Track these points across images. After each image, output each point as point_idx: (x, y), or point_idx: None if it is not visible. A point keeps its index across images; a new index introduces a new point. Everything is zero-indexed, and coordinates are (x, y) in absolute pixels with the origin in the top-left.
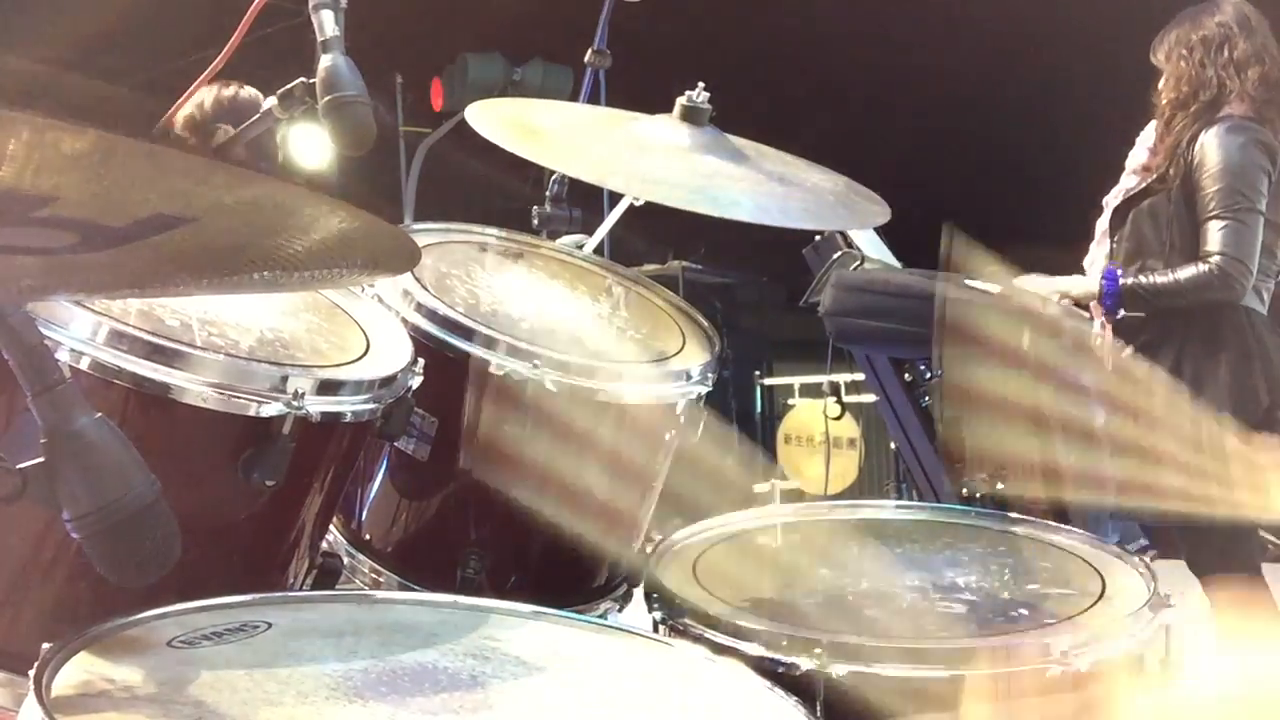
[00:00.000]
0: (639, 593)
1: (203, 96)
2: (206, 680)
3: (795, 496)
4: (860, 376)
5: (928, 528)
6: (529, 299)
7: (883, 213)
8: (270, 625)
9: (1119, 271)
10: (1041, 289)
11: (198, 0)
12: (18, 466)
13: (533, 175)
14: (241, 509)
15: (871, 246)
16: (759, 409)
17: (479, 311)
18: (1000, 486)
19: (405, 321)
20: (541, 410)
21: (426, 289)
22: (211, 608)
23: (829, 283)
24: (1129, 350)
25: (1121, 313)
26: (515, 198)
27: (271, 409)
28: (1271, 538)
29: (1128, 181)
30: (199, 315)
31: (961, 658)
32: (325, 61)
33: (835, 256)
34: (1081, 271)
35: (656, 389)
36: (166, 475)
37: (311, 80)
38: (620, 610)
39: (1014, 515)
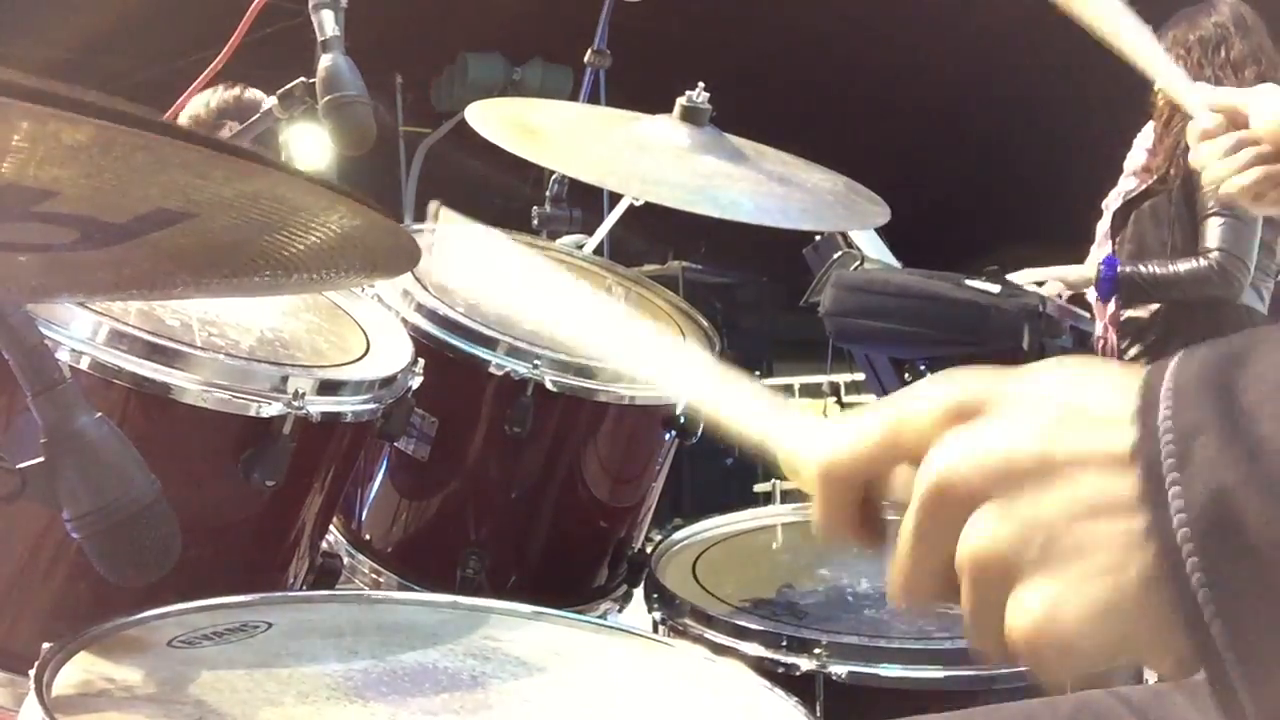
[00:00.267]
0: (639, 593)
1: (208, 97)
2: (206, 680)
3: (795, 497)
4: (860, 376)
5: None
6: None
7: (883, 213)
8: (270, 625)
9: (1116, 259)
10: (1038, 277)
11: (198, 0)
12: (18, 466)
13: (533, 175)
14: (241, 509)
15: (871, 246)
16: None
17: (479, 311)
18: None
19: (405, 321)
20: (541, 410)
21: (427, 289)
22: (211, 608)
23: (829, 283)
24: (1133, 350)
25: (1113, 305)
26: (515, 198)
27: (272, 409)
28: None
29: (1127, 184)
30: (199, 315)
31: (961, 658)
32: (325, 61)
33: (835, 256)
34: None
35: (656, 389)
36: (166, 475)
37: (311, 80)
38: (620, 610)
39: None
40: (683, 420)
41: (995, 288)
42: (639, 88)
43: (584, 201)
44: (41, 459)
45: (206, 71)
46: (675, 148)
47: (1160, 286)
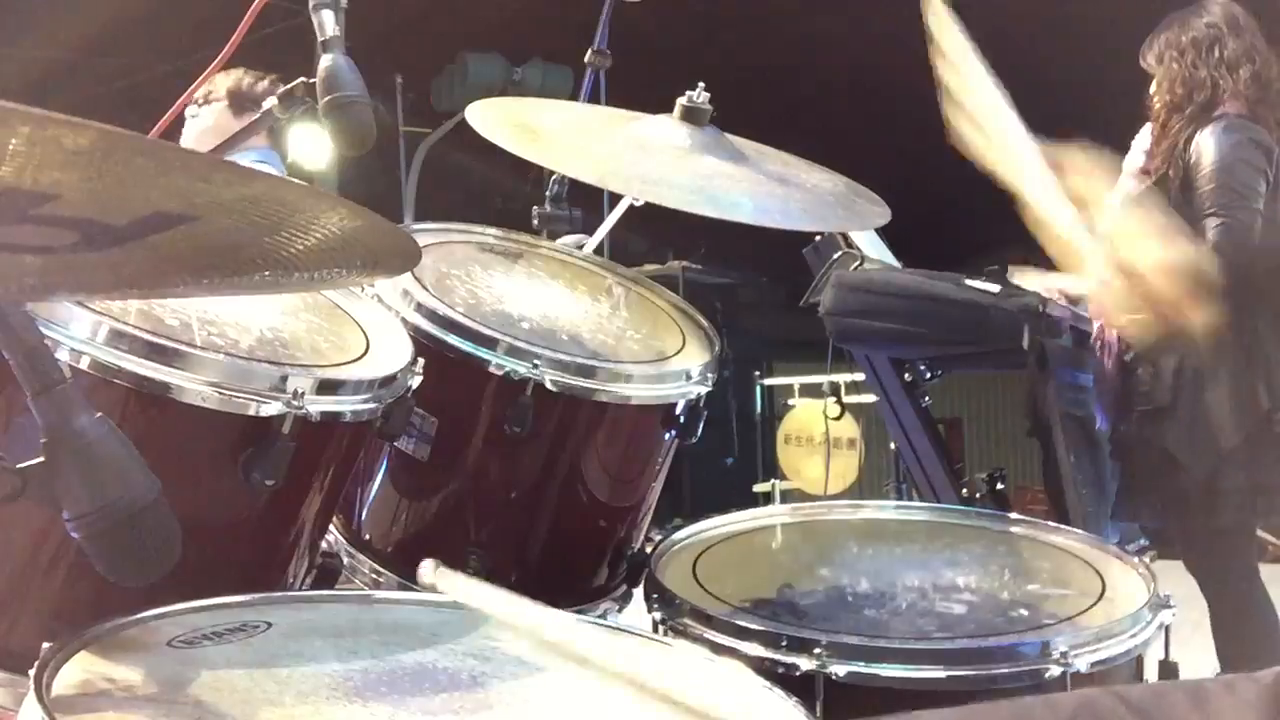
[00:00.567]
0: (639, 593)
1: (220, 82)
2: (206, 680)
3: (795, 496)
4: (860, 376)
5: (928, 528)
6: (529, 299)
7: (883, 213)
8: (270, 625)
9: None
10: (1038, 285)
11: (198, 0)
12: (18, 466)
13: (533, 175)
14: (241, 509)
15: (871, 246)
16: (759, 409)
17: (479, 311)
18: (1000, 486)
19: (405, 321)
20: (541, 410)
21: (426, 289)
22: (211, 608)
23: (829, 283)
24: (1132, 352)
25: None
26: (515, 198)
27: (271, 409)
28: (1271, 538)
29: (1125, 185)
30: (199, 315)
31: (961, 658)
32: (325, 61)
33: (835, 256)
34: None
35: (656, 389)
36: (166, 475)
37: (311, 80)
38: (620, 610)
39: (1014, 515)
40: (683, 420)
41: (995, 288)
42: (639, 88)
43: (584, 201)
44: (41, 459)
45: (207, 71)
46: (675, 148)
47: None
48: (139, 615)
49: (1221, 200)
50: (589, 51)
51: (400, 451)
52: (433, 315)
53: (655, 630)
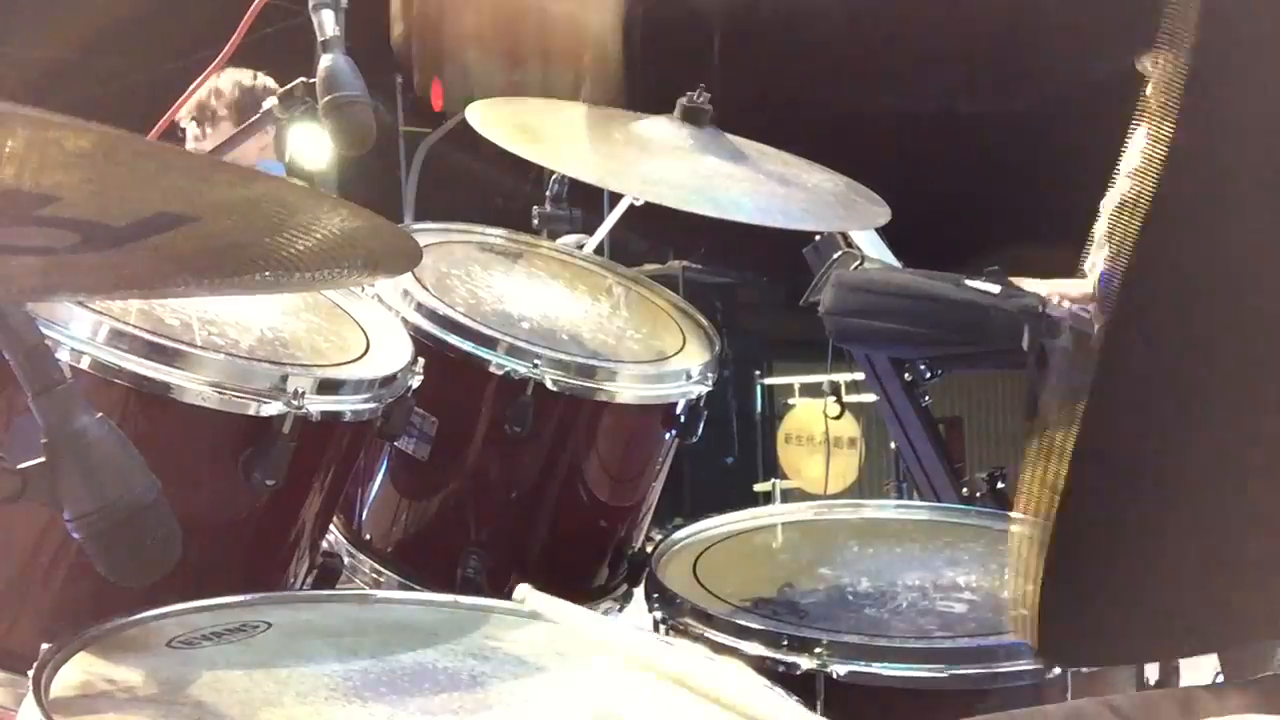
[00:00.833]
0: (639, 593)
1: (219, 83)
2: (206, 680)
3: (795, 496)
4: (860, 376)
5: (928, 528)
6: (529, 299)
7: (883, 213)
8: (270, 625)
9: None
10: (1039, 290)
11: (198, 0)
12: (18, 466)
13: (533, 175)
14: (241, 509)
15: (871, 246)
16: (759, 409)
17: (479, 311)
18: (1000, 486)
19: (405, 321)
20: (541, 410)
21: (427, 289)
22: (211, 608)
23: (829, 283)
24: None
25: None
26: (515, 198)
27: (271, 408)
28: None
29: (1123, 186)
30: (199, 314)
31: (962, 657)
32: (325, 61)
33: (835, 256)
34: (1080, 274)
35: (656, 389)
36: (166, 475)
37: (311, 80)
38: (620, 610)
39: (1014, 515)
40: (683, 420)
41: (995, 288)
42: (639, 88)
43: (584, 201)
44: (42, 459)
45: (207, 71)
46: (675, 148)
47: None
48: (139, 615)
49: None
50: None
51: (400, 451)
52: (433, 315)
53: (655, 630)
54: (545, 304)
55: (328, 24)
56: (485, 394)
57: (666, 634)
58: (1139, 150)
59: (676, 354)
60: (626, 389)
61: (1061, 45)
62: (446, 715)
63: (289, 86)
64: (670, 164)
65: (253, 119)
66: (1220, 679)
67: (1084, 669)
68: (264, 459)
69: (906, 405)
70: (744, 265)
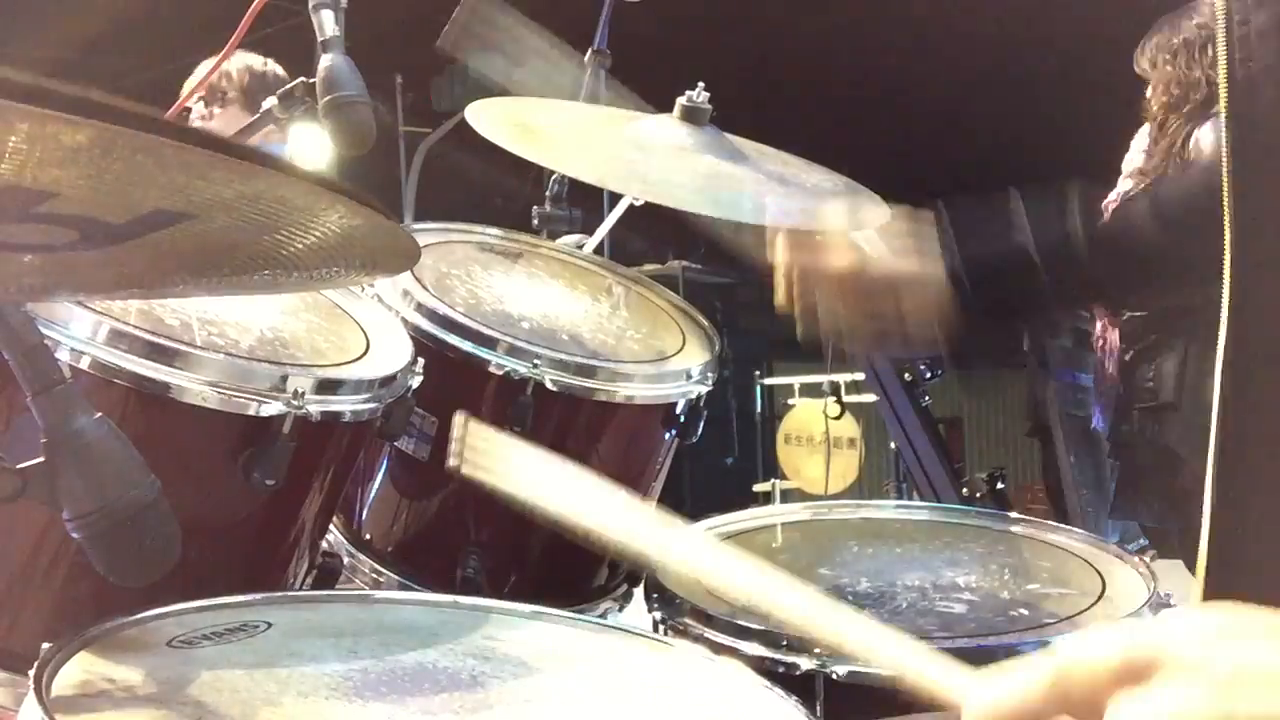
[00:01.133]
0: (639, 593)
1: (229, 66)
2: (206, 680)
3: (795, 496)
4: (860, 376)
5: (928, 528)
6: (529, 299)
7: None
8: (270, 625)
9: None
10: None
11: (198, 0)
12: (18, 466)
13: (533, 175)
14: (241, 509)
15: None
16: (759, 409)
17: (479, 311)
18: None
19: (405, 321)
20: (541, 410)
21: (426, 289)
22: (211, 608)
23: None
24: (1138, 341)
25: (1126, 313)
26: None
27: (271, 408)
28: None
29: (1124, 185)
30: (199, 314)
31: (961, 657)
32: (325, 61)
33: None
34: None
35: (656, 389)
36: (166, 475)
37: (311, 80)
38: (620, 610)
39: (1014, 515)
40: (683, 419)
41: None
42: (639, 88)
43: (584, 201)
44: (41, 459)
45: (207, 72)
46: (675, 148)
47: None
48: (139, 615)
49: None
50: (589, 51)
51: (400, 451)
52: (433, 315)
53: (655, 630)
54: (545, 304)
55: (328, 24)
56: (485, 394)
57: (666, 634)
58: (1141, 150)
59: (676, 354)
60: (626, 389)
61: (1062, 45)
62: (446, 715)
63: (289, 86)
64: (670, 164)
65: (253, 119)
66: None
67: None
68: (264, 459)
69: (906, 405)
70: (744, 265)
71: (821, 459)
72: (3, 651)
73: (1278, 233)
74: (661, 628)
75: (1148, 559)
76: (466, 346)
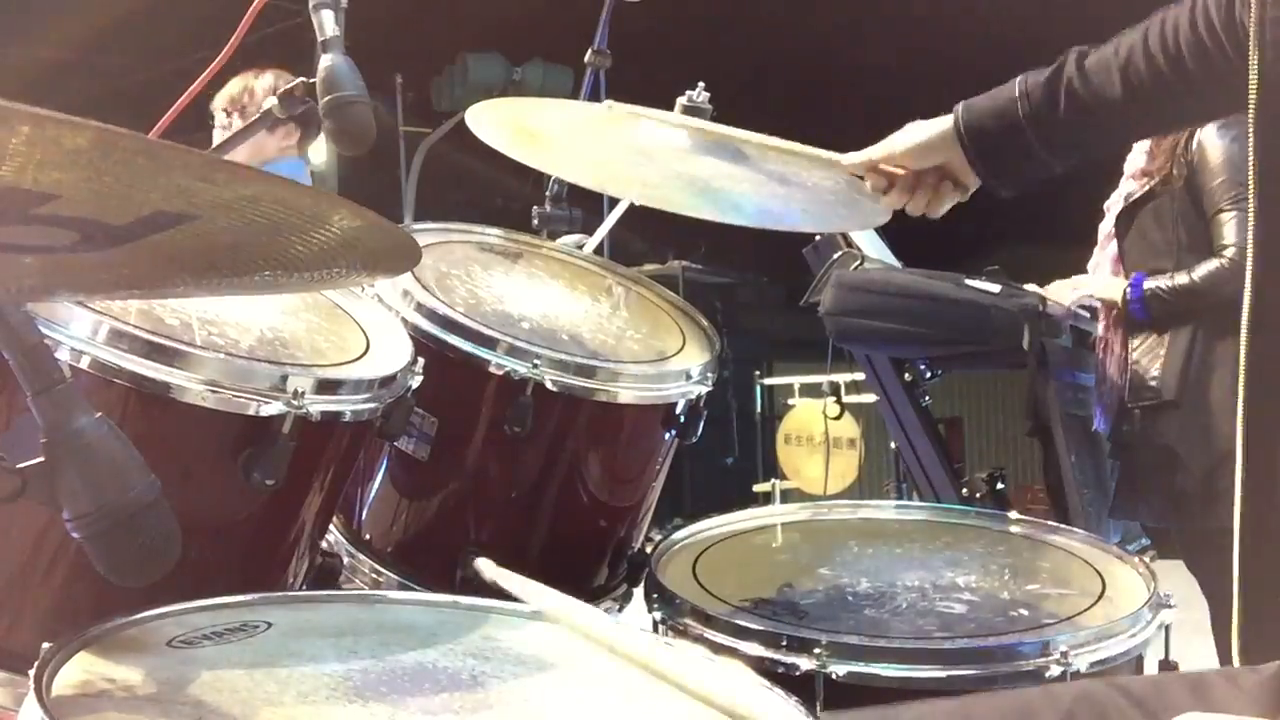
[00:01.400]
0: (639, 593)
1: (257, 82)
2: (206, 680)
3: (795, 496)
4: (860, 376)
5: (928, 528)
6: (529, 299)
7: (883, 213)
8: (270, 625)
9: (1143, 276)
10: (1067, 293)
11: (198, 0)
12: (18, 466)
13: (533, 175)
14: (241, 509)
15: (871, 246)
16: (759, 409)
17: (479, 311)
18: (1000, 486)
19: (405, 321)
20: (541, 410)
21: (426, 289)
22: (211, 608)
23: (829, 282)
24: (1138, 340)
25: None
26: (515, 198)
27: (271, 408)
28: None
29: (1128, 186)
30: (199, 314)
31: (961, 657)
32: (325, 61)
33: (835, 256)
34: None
35: (656, 389)
36: (166, 475)
37: (311, 80)
38: (620, 610)
39: (1014, 515)
40: (683, 420)
41: (995, 288)
42: (639, 88)
43: (584, 201)
44: (41, 459)
45: (207, 71)
46: (675, 148)
47: (1182, 296)
48: (139, 615)
49: (1230, 194)
50: (589, 51)
51: (400, 451)
52: (433, 315)
53: (655, 630)
54: (545, 304)
55: (328, 24)
56: (485, 394)
57: (666, 634)
58: (1144, 150)
59: (676, 354)
60: (626, 389)
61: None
62: (446, 715)
63: (289, 86)
64: (670, 164)
65: (253, 119)
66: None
67: (1083, 670)
68: (264, 459)
69: (906, 405)
70: (744, 265)
71: (821, 459)
72: (3, 651)
73: None
74: (661, 628)
75: (1148, 559)
76: (466, 346)
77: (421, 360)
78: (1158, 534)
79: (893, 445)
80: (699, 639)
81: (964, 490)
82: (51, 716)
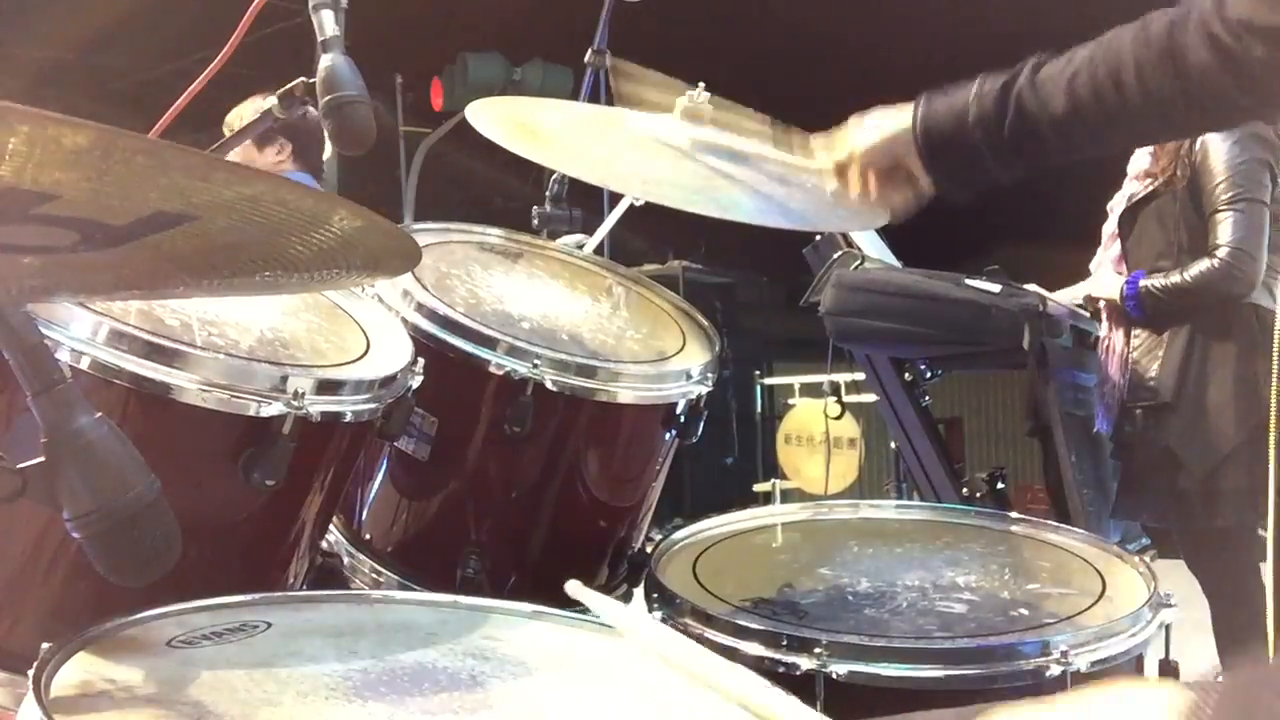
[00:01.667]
0: (639, 592)
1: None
2: (206, 680)
3: (795, 496)
4: (860, 376)
5: (928, 528)
6: (529, 299)
7: (883, 213)
8: (270, 625)
9: (1142, 274)
10: (1073, 295)
11: (198, 0)
12: (18, 466)
13: (533, 175)
14: (241, 509)
15: (871, 246)
16: (759, 409)
17: (479, 311)
18: (1000, 486)
19: (405, 321)
20: (541, 410)
21: (427, 289)
22: (211, 608)
23: (829, 282)
24: (1139, 340)
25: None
26: (515, 198)
27: (272, 409)
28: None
29: (1131, 187)
30: (199, 315)
31: (962, 657)
32: (325, 61)
33: (835, 256)
34: (1086, 274)
35: (656, 389)
36: (166, 475)
37: (311, 80)
38: None
39: (1014, 515)
40: (683, 419)
41: (995, 288)
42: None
43: (584, 201)
44: (41, 459)
45: (207, 71)
46: (675, 148)
47: (1175, 295)
48: (139, 615)
49: (1228, 195)
50: (589, 51)
51: (400, 451)
52: (433, 315)
53: None
54: (545, 304)
55: (328, 24)
56: (485, 394)
57: None
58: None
59: (676, 354)
60: (626, 389)
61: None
62: (446, 715)
63: (289, 86)
64: (670, 164)
65: (252, 120)
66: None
67: (1083, 669)
68: (264, 459)
69: (906, 405)
70: (744, 265)
71: (821, 459)
72: (2, 651)
73: None
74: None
75: (1148, 559)
76: (466, 346)
77: (421, 360)
78: (1158, 534)
79: (893, 445)
80: (699, 639)
81: (964, 490)
82: (51, 717)
